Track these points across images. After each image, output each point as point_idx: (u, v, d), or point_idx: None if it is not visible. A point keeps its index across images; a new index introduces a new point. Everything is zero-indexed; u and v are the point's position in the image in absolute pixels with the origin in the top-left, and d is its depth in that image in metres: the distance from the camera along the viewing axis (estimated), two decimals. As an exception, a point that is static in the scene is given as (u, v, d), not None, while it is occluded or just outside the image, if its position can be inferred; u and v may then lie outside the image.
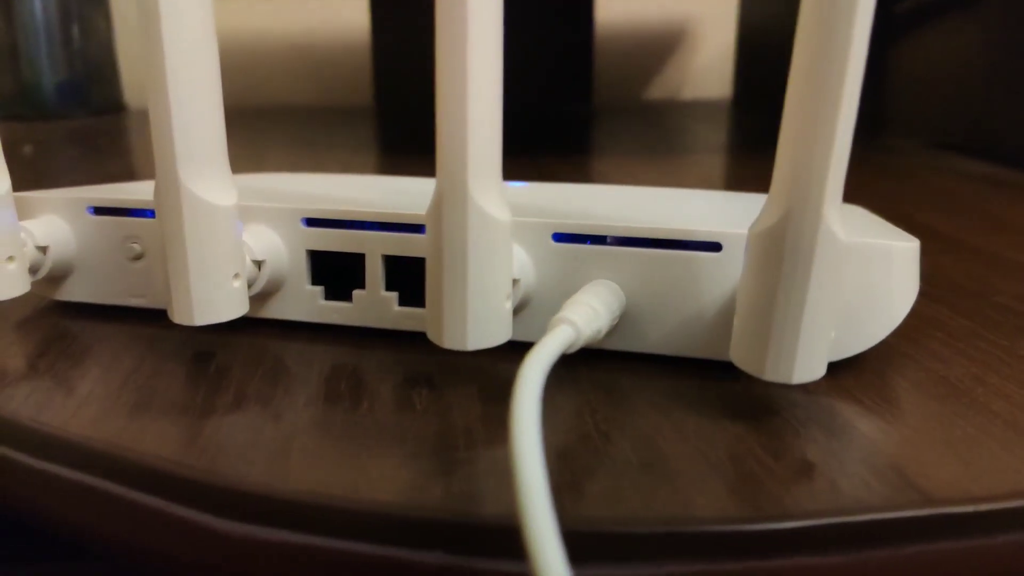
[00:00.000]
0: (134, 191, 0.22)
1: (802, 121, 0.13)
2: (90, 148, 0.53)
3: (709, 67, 0.84)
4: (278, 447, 0.15)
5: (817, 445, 0.15)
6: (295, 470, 0.14)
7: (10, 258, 0.20)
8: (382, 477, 0.14)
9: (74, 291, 0.22)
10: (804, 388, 0.17)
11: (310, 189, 0.22)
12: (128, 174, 0.42)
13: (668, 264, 0.17)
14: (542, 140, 0.55)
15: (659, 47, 0.85)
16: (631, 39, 0.84)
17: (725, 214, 0.20)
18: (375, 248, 0.19)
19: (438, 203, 0.14)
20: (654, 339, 0.18)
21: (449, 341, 0.15)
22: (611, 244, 0.18)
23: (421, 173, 0.26)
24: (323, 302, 0.20)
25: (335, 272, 0.19)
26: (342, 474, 0.14)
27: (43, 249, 0.21)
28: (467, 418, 0.16)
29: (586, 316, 0.16)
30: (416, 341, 0.19)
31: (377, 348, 0.19)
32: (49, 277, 0.22)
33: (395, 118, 0.69)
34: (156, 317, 0.21)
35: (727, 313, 0.18)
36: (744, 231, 0.17)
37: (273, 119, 0.68)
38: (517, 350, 0.15)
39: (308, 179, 0.26)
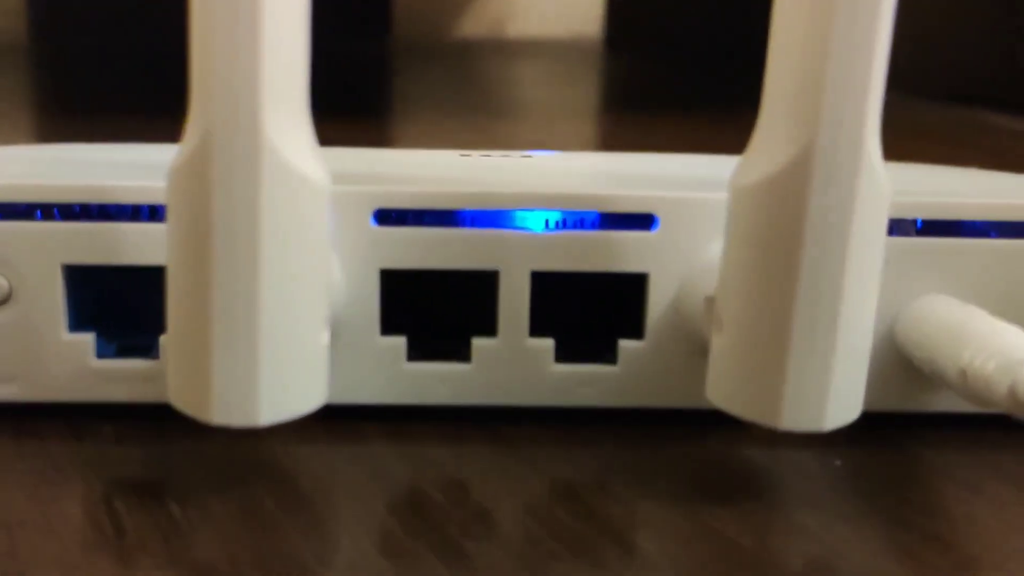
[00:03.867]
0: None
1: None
2: None
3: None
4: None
5: None
6: None
7: None
8: None
9: None
10: None
11: (345, 165, 0.19)
12: None
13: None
14: (332, 89, 0.53)
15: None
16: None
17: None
18: (518, 261, 0.16)
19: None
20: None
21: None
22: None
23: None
24: (411, 366, 0.17)
25: (416, 311, 0.17)
26: None
27: None
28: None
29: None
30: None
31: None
32: None
33: (61, 61, 0.62)
34: (39, 419, 0.17)
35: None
36: None
37: None
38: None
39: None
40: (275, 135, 0.12)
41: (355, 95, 0.53)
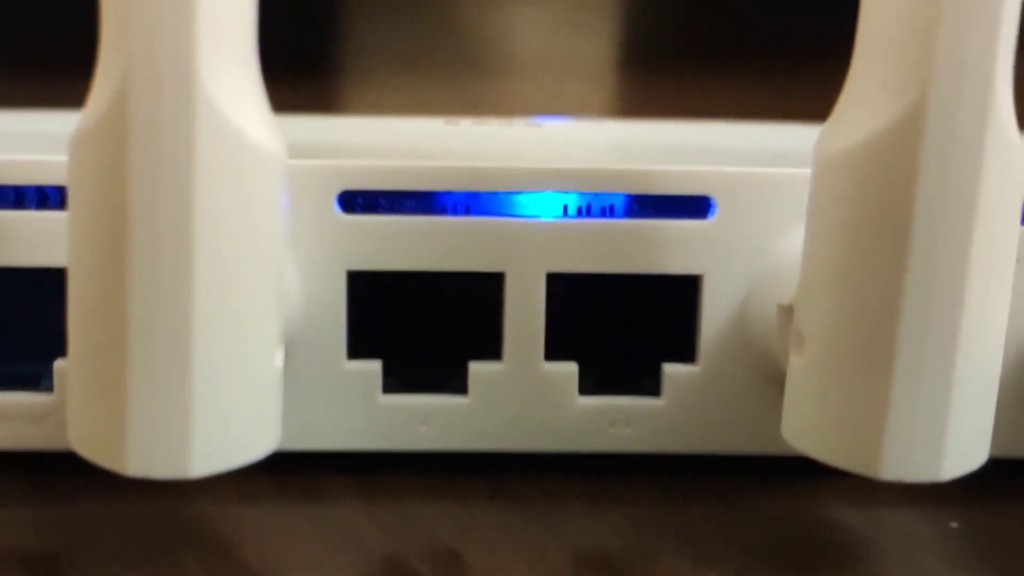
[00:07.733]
0: None
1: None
2: None
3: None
4: None
5: None
6: None
7: None
8: None
9: None
10: None
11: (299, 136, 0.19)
12: None
13: None
14: (274, 38, 0.54)
15: None
16: None
17: None
18: (528, 260, 0.17)
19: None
20: None
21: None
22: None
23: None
24: (388, 400, 0.17)
25: (394, 327, 0.17)
26: None
27: None
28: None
29: None
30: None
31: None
32: None
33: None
34: None
35: None
36: None
37: None
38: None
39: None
40: (215, 88, 0.12)
41: (304, 46, 0.53)
